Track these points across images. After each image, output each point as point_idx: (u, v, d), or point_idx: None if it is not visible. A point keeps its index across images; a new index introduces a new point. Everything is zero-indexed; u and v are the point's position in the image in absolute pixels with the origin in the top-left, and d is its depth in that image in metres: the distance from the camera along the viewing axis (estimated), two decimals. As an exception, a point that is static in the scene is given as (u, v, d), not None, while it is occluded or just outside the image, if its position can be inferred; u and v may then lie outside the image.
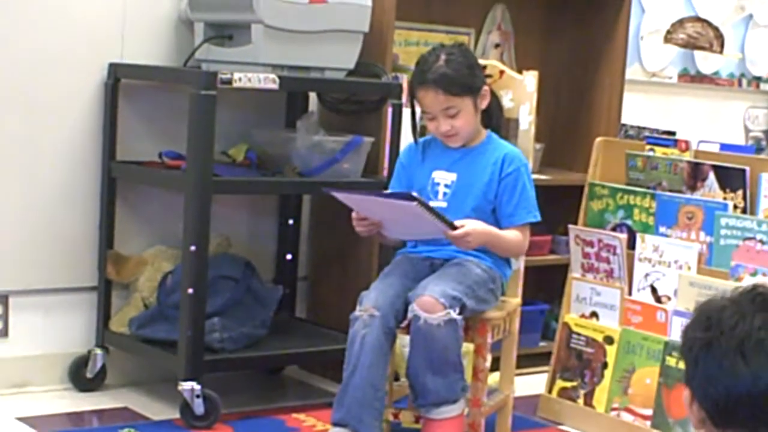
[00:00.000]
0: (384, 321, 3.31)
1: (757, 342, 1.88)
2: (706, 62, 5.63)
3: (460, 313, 3.30)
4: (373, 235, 3.54)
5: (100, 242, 3.93)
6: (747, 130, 5.92)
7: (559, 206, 4.55)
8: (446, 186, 3.52)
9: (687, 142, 3.94)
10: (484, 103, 3.52)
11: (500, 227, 3.50)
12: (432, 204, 3.47)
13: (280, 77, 3.70)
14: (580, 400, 3.96)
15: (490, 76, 3.66)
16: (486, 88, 3.52)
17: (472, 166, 3.51)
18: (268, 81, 3.67)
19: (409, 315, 3.30)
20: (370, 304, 3.33)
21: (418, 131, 3.63)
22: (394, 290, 3.37)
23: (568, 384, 4.00)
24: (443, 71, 3.42)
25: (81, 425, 3.67)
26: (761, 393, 1.88)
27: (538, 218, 3.55)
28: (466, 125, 3.48)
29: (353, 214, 3.46)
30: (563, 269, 4.16)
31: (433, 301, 3.26)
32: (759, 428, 1.91)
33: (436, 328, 3.26)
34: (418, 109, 3.55)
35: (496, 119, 3.63)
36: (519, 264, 3.72)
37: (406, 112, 3.95)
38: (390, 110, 3.96)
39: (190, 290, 3.58)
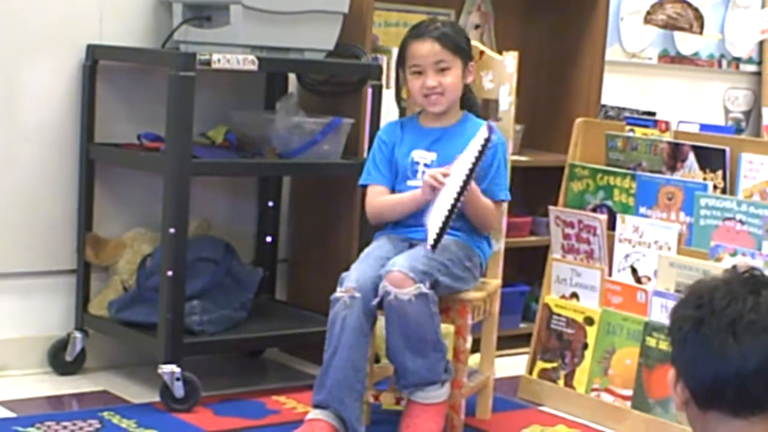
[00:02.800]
0: (365, 302, 3.31)
1: (749, 323, 1.88)
2: (685, 43, 5.64)
3: (432, 288, 3.30)
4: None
5: (79, 225, 3.91)
6: (727, 111, 5.93)
7: (539, 187, 4.56)
8: (426, 165, 3.52)
9: (667, 123, 3.94)
10: (469, 78, 3.57)
11: None
12: (410, 183, 3.49)
13: (259, 58, 3.69)
14: (561, 381, 3.96)
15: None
16: (473, 63, 3.57)
17: (451, 144, 3.51)
18: (247, 62, 3.65)
19: (380, 291, 3.29)
20: (351, 285, 3.33)
21: (402, 101, 3.63)
22: (375, 271, 3.36)
23: (549, 365, 4.01)
24: (443, 30, 3.53)
25: (60, 408, 3.66)
26: (749, 374, 1.87)
27: (509, 197, 3.59)
28: (453, 87, 3.50)
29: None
30: (543, 250, 4.16)
31: (402, 276, 3.26)
32: (741, 410, 1.91)
33: (407, 303, 3.25)
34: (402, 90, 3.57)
35: (469, 108, 3.63)
36: (499, 245, 3.73)
37: (386, 93, 3.96)
38: (370, 91, 3.95)
39: (170, 273, 3.57)
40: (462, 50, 3.53)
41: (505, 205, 3.67)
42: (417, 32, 3.54)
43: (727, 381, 1.89)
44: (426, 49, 3.49)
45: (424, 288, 3.27)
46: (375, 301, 3.33)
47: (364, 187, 3.61)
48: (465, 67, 3.54)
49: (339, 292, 3.34)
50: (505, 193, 3.56)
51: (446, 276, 3.37)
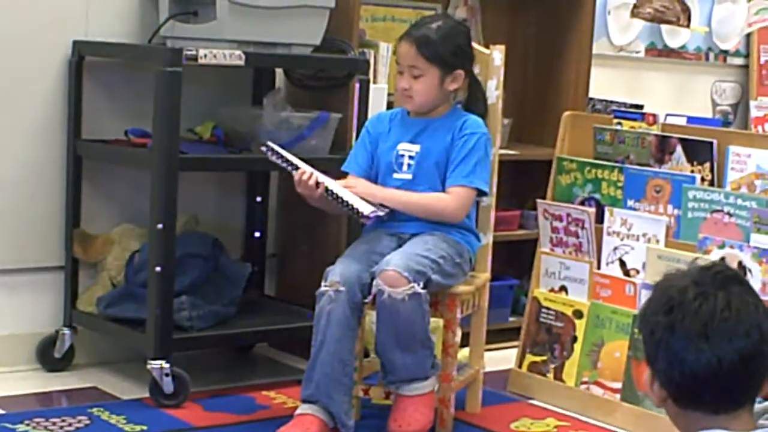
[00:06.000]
0: (350, 296, 3.31)
1: (721, 321, 1.88)
2: (673, 36, 5.64)
3: (425, 287, 3.29)
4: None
5: (67, 221, 3.90)
6: (714, 104, 5.93)
7: (527, 181, 4.56)
8: (410, 158, 3.52)
9: (654, 116, 3.94)
10: (452, 85, 3.51)
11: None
12: (396, 176, 3.48)
13: (246, 53, 3.68)
14: (550, 375, 3.97)
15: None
16: (460, 72, 3.51)
17: (434, 136, 3.52)
18: (234, 57, 3.65)
19: (374, 290, 3.30)
20: (336, 278, 3.32)
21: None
22: (360, 264, 3.36)
23: (538, 358, 4.01)
24: (427, 33, 3.46)
25: (49, 405, 3.64)
26: (725, 375, 1.88)
27: (474, 185, 3.46)
28: (423, 93, 3.47)
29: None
30: (532, 244, 4.17)
31: (396, 275, 3.26)
32: (720, 409, 1.92)
33: (400, 302, 3.25)
34: None
35: (473, 107, 3.62)
36: (488, 239, 3.73)
37: (373, 88, 3.95)
38: (357, 86, 3.94)
39: (158, 269, 3.56)
40: (439, 58, 3.45)
41: (471, 192, 3.47)
42: (407, 30, 3.52)
43: (704, 383, 1.89)
44: (403, 50, 3.48)
45: (418, 288, 3.27)
46: (368, 299, 3.33)
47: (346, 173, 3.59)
48: (445, 75, 3.47)
49: (324, 287, 3.34)
50: (469, 179, 3.44)
51: (438, 274, 3.37)
